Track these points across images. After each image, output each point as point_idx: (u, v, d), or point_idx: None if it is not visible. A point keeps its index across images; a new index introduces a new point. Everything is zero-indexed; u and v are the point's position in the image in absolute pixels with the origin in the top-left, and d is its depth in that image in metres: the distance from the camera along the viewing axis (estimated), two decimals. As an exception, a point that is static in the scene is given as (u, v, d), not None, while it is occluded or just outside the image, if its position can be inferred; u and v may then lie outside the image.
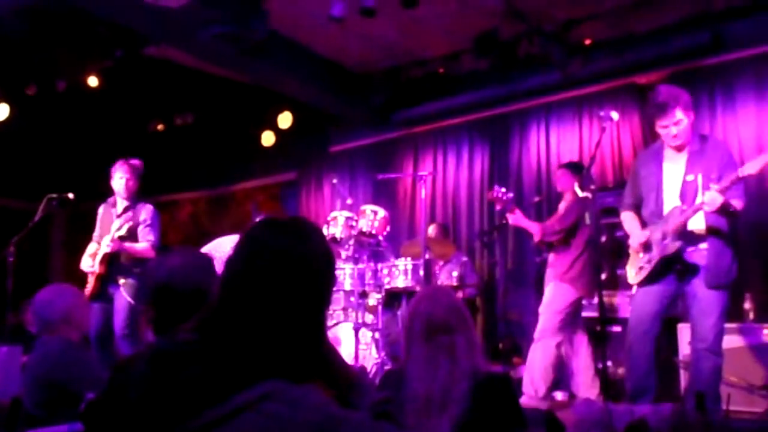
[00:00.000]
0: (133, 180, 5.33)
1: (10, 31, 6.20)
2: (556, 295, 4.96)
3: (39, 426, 2.88)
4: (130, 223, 5.16)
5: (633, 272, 4.05)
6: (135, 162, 5.40)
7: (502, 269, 6.72)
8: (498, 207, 5.24)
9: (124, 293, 5.07)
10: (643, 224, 4.10)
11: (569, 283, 4.92)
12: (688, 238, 3.83)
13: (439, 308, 2.30)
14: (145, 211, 5.30)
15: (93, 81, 7.30)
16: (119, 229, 5.10)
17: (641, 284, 3.99)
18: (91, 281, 5.20)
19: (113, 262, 5.16)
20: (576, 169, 5.19)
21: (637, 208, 4.15)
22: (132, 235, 5.19)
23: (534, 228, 5.11)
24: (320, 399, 1.28)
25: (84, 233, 5.48)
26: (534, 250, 6.89)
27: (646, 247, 3.97)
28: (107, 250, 5.09)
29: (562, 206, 5.23)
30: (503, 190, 5.08)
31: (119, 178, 5.32)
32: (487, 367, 2.41)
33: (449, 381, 2.16)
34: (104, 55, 6.82)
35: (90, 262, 5.24)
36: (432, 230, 6.60)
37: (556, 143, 7.08)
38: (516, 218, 5.12)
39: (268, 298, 1.32)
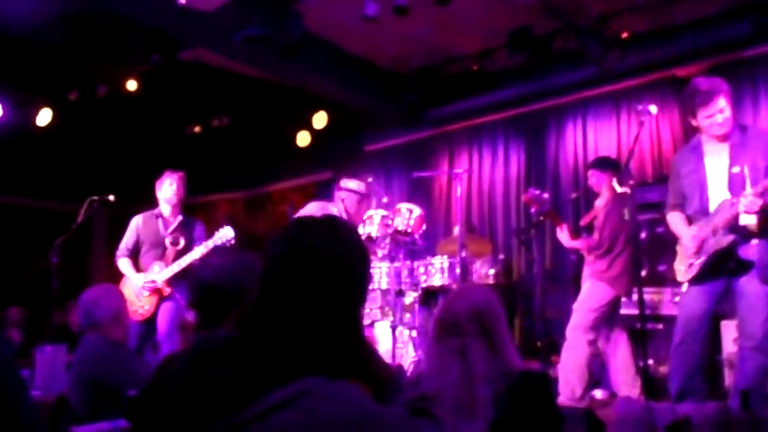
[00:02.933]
0: (182, 190, 5.30)
1: (50, 38, 6.35)
2: (592, 293, 4.86)
3: (84, 423, 2.95)
4: (182, 241, 5.14)
5: (682, 269, 3.92)
6: (182, 174, 5.35)
7: (540, 267, 6.67)
8: (533, 209, 5.14)
9: (175, 297, 5.10)
10: (689, 223, 4.00)
11: (607, 282, 4.82)
12: (741, 232, 3.71)
13: (452, 311, 2.28)
14: (199, 230, 5.28)
15: (132, 85, 7.45)
16: (196, 249, 5.01)
17: (691, 282, 3.88)
18: (146, 303, 5.08)
19: (173, 278, 5.08)
20: (606, 164, 5.09)
21: (681, 208, 4.03)
22: (186, 250, 5.14)
23: (580, 245, 5.01)
24: (358, 395, 1.28)
25: (124, 235, 5.56)
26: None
27: (700, 247, 3.84)
28: (196, 257, 4.92)
29: (599, 203, 5.11)
30: (538, 192, 4.99)
31: (169, 190, 5.25)
32: (524, 365, 2.39)
33: (463, 385, 2.12)
34: (142, 60, 6.94)
35: (144, 278, 5.11)
36: (457, 230, 6.55)
37: (594, 139, 7.00)
38: (563, 236, 5.02)
39: (303, 297, 1.34)
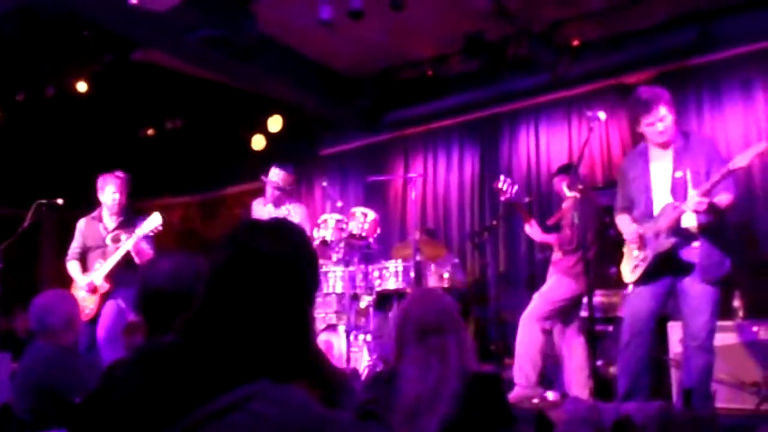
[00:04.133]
0: (123, 194, 5.25)
1: (-2, 37, 6.19)
2: (557, 285, 4.94)
3: (28, 431, 2.88)
4: (125, 237, 5.07)
5: (628, 270, 4.04)
6: (122, 175, 5.30)
7: (493, 270, 6.74)
8: (503, 198, 5.19)
9: (118, 300, 5.01)
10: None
11: (573, 278, 4.86)
12: (682, 235, 3.84)
13: (430, 310, 2.32)
14: (141, 223, 5.19)
15: (82, 86, 7.28)
16: (126, 240, 5.01)
17: (636, 283, 3.98)
18: (90, 301, 5.04)
19: (115, 275, 5.05)
20: (567, 169, 5.20)
21: (629, 210, 4.15)
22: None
23: (551, 239, 5.09)
24: (306, 399, 1.28)
25: (66, 254, 5.43)
26: (529, 251, 6.93)
27: (641, 242, 3.96)
28: (125, 251, 4.94)
29: (566, 204, 5.10)
30: (509, 180, 5.06)
31: (109, 192, 5.23)
32: (478, 367, 2.43)
33: (440, 382, 2.17)
34: (93, 60, 6.82)
35: (85, 279, 5.10)
36: (417, 235, 6.58)
37: (546, 144, 7.11)
38: (533, 231, 5.13)
39: (250, 300, 1.33)
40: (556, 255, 5.09)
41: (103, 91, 7.45)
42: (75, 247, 5.29)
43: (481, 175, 7.52)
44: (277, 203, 5.85)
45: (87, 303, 5.02)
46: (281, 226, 1.45)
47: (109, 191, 5.24)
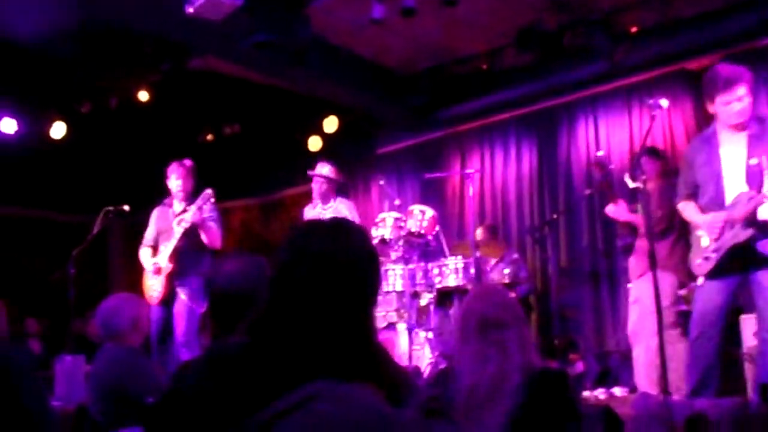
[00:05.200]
0: (188, 180, 5.41)
1: (62, 51, 6.42)
2: (662, 286, 4.22)
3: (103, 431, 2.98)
4: (189, 218, 5.20)
5: (698, 262, 3.86)
6: (187, 163, 5.47)
7: (554, 265, 6.64)
8: (597, 174, 4.97)
9: (182, 296, 5.17)
10: (702, 213, 3.95)
11: (672, 270, 4.53)
12: (759, 227, 3.65)
13: (492, 305, 2.33)
14: (208, 207, 5.33)
15: (143, 96, 7.50)
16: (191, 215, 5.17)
17: (707, 275, 3.82)
18: (157, 282, 5.24)
19: (180, 258, 5.21)
20: (655, 153, 4.95)
21: (694, 198, 3.96)
22: (195, 230, 5.24)
23: (638, 220, 4.75)
24: (369, 398, 1.29)
25: (141, 243, 5.61)
26: (591, 245, 6.81)
27: (717, 232, 3.74)
28: (185, 226, 5.13)
29: (650, 187, 4.77)
30: (605, 156, 4.72)
31: (174, 179, 5.41)
32: (542, 363, 2.42)
33: (499, 375, 2.17)
34: (152, 70, 7.01)
35: (152, 261, 5.30)
36: (480, 233, 6.53)
37: (606, 135, 6.96)
38: (618, 210, 4.79)
39: (312, 300, 1.35)
40: (640, 242, 4.78)
41: (163, 99, 7.65)
42: (147, 234, 5.51)
43: (540, 168, 7.41)
44: (325, 200, 5.89)
45: (155, 287, 5.23)
46: (340, 225, 1.47)
47: (174, 178, 5.42)
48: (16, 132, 7.75)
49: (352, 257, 1.40)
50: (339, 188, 6.12)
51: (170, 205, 5.50)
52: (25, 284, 9.03)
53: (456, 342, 2.42)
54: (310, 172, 5.97)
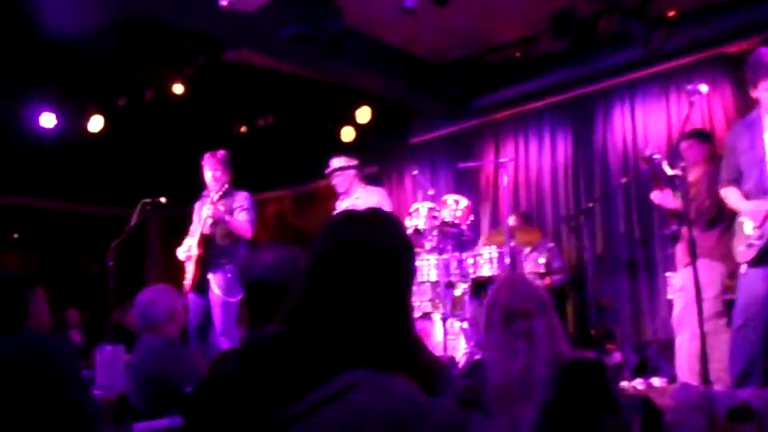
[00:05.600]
0: (221, 171, 5.42)
1: (98, 46, 6.52)
2: (711, 276, 4.24)
3: (143, 420, 3.04)
4: (222, 208, 5.27)
5: (742, 249, 3.77)
6: (219, 153, 5.48)
7: (590, 254, 6.57)
8: (645, 168, 4.83)
9: (214, 287, 5.22)
10: (745, 199, 3.85)
11: (720, 260, 4.34)
12: None
13: (517, 295, 2.30)
14: (241, 197, 5.40)
15: (178, 89, 7.58)
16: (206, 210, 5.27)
17: (750, 263, 3.73)
18: (190, 270, 5.31)
19: (210, 245, 5.27)
20: (703, 136, 4.76)
21: (737, 183, 3.88)
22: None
23: (683, 207, 4.68)
24: (406, 388, 1.28)
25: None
26: (628, 234, 6.72)
27: (764, 217, 3.65)
28: (209, 214, 5.20)
29: (692, 177, 4.46)
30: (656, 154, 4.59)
31: (207, 171, 5.44)
32: (575, 352, 2.38)
33: (527, 366, 2.14)
34: (187, 63, 7.08)
35: (185, 249, 5.39)
36: (512, 220, 6.47)
37: (643, 122, 6.85)
38: (664, 197, 4.58)
39: (348, 290, 1.35)
40: (683, 231, 4.48)
41: (198, 92, 7.73)
42: (192, 227, 5.56)
43: (575, 156, 7.33)
44: (351, 191, 5.89)
45: (187, 274, 5.32)
46: (376, 215, 1.46)
47: (207, 169, 5.44)
48: (55, 126, 7.89)
49: (388, 246, 1.40)
50: (362, 175, 6.09)
51: (207, 196, 5.54)
52: (66, 276, 9.22)
53: (483, 334, 2.39)
54: (326, 172, 5.98)
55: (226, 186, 5.42)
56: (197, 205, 5.60)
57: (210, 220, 5.25)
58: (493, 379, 2.16)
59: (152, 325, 3.37)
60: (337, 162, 5.94)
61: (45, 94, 7.67)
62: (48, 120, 7.83)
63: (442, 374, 1.55)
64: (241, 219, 5.29)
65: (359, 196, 5.84)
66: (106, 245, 5.76)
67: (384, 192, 6.15)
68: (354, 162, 5.98)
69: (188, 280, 5.29)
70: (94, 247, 7.83)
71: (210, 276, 5.23)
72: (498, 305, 2.30)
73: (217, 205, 5.23)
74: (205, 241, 5.28)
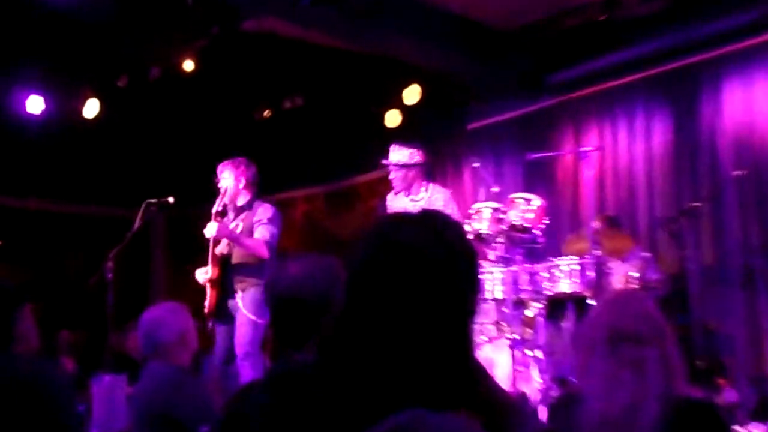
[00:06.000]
0: (235, 180, 5.57)
1: (94, 16, 6.64)
2: None
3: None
4: (240, 225, 5.44)
5: None
6: (237, 161, 5.63)
7: (696, 265, 6.45)
8: None
9: (241, 307, 5.33)
10: None
11: None
12: None
13: (626, 316, 2.28)
14: (262, 210, 5.53)
15: (188, 65, 7.69)
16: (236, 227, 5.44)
17: None
18: (208, 293, 5.50)
19: (228, 266, 5.45)
20: None
21: None
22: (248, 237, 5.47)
23: None
24: (468, 430, 1.29)
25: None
26: (745, 240, 6.59)
27: None
28: (212, 234, 5.36)
29: None
30: None
31: (223, 181, 5.59)
32: (687, 391, 2.35)
33: (633, 404, 2.12)
34: (198, 34, 7.17)
35: (205, 271, 5.54)
36: (597, 224, 6.39)
37: (763, 99, 6.72)
38: None
39: (399, 309, 1.35)
40: None
41: (212, 68, 7.82)
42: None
43: (675, 144, 7.23)
44: (410, 189, 5.91)
45: (207, 300, 5.50)
46: (433, 218, 1.46)
47: (222, 179, 5.60)
48: (42, 112, 8.03)
49: (447, 255, 1.39)
50: (426, 171, 6.11)
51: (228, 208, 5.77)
52: (57, 291, 9.39)
53: (579, 361, 2.38)
54: (383, 161, 6.01)
55: (249, 198, 5.56)
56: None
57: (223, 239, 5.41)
58: (589, 417, 2.14)
59: (160, 351, 3.42)
60: (398, 153, 5.94)
61: (31, 73, 7.81)
62: (35, 104, 7.99)
63: (512, 412, 1.54)
64: (258, 235, 5.42)
65: (424, 198, 5.91)
66: (104, 254, 5.86)
67: (450, 194, 6.16)
68: (420, 156, 5.98)
69: (205, 306, 5.47)
70: (89, 256, 7.99)
71: (238, 295, 5.38)
72: (602, 326, 2.29)
73: (222, 220, 5.37)
74: (221, 261, 5.46)
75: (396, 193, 6.03)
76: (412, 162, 5.92)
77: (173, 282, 10.44)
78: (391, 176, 5.97)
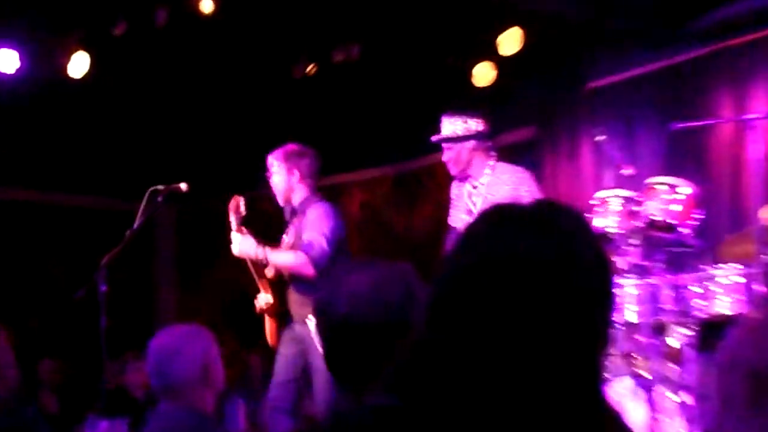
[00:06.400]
0: (280, 175, 5.79)
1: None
2: None
3: None
4: (293, 233, 5.70)
5: None
6: (284, 150, 5.84)
7: None
8: None
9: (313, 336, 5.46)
10: None
11: None
12: None
13: None
14: (311, 211, 5.68)
15: (206, 5, 7.75)
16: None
17: None
18: (267, 323, 5.84)
19: (284, 288, 5.72)
20: None
21: None
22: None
23: None
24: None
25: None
26: None
27: None
28: (236, 252, 5.68)
29: None
30: None
31: (273, 175, 5.87)
32: None
33: None
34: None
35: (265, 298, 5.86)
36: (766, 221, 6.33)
37: None
38: None
39: (503, 335, 1.35)
40: None
41: (236, 9, 7.86)
42: None
43: None
44: (469, 170, 5.95)
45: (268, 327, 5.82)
46: (552, 213, 1.46)
47: (271, 173, 5.85)
48: (17, 70, 8.18)
49: (573, 264, 1.39)
50: (491, 147, 6.07)
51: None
52: (35, 306, 9.58)
53: (718, 411, 2.34)
54: (433, 138, 6.06)
55: (305, 194, 5.74)
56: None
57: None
58: None
59: (174, 390, 3.45)
60: (449, 125, 5.97)
61: (3, 23, 7.96)
62: (8, 61, 8.16)
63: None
64: (305, 239, 5.60)
65: (488, 180, 5.92)
66: (96, 259, 5.96)
67: (526, 175, 6.09)
68: (478, 125, 5.95)
69: (270, 337, 5.81)
70: (78, 262, 8.14)
71: (308, 320, 5.44)
72: (738, 367, 2.25)
73: (245, 232, 5.65)
74: (274, 286, 5.77)
75: (457, 179, 6.02)
76: (467, 135, 5.88)
77: (185, 297, 10.56)
78: (444, 157, 5.97)
